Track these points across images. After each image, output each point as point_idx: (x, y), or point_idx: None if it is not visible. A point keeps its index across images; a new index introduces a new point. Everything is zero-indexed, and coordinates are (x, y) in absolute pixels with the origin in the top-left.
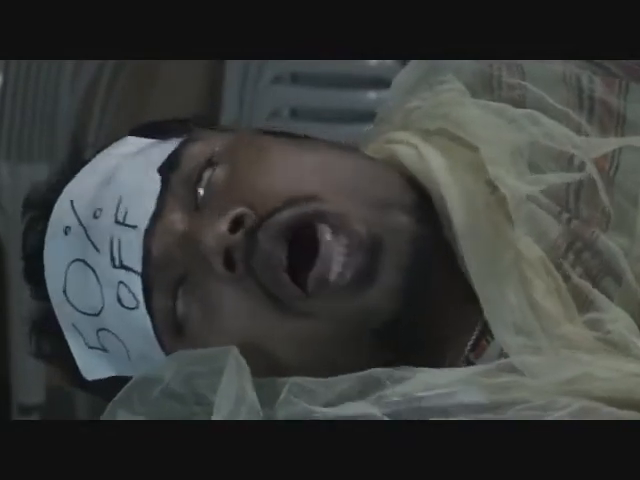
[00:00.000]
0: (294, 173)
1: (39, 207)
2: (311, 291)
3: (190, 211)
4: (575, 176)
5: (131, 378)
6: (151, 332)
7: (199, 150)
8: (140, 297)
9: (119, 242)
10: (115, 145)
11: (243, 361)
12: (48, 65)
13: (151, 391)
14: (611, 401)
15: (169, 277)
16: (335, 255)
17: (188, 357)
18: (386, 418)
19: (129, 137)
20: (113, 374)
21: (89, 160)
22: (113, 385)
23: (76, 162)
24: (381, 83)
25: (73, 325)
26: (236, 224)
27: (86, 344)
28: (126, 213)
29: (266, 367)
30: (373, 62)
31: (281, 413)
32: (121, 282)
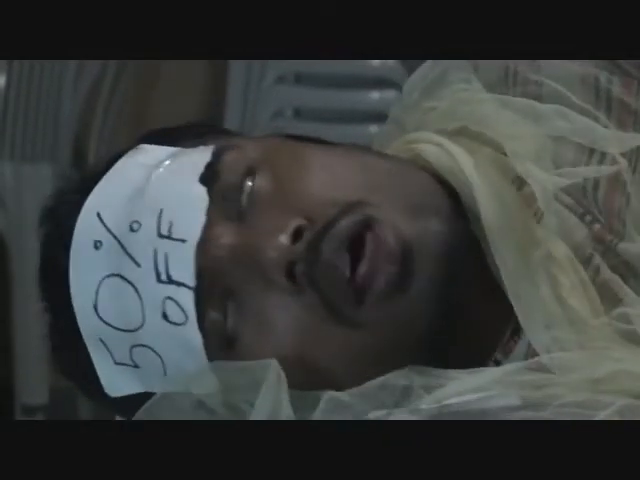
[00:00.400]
0: (339, 177)
1: (56, 219)
2: (366, 300)
3: (235, 222)
4: (608, 169)
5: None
6: (200, 347)
7: (236, 158)
8: (191, 312)
9: (165, 257)
10: (132, 154)
11: (283, 374)
12: (51, 66)
13: (182, 401)
14: None
15: (218, 291)
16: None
17: (227, 369)
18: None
19: (143, 145)
20: (140, 390)
21: (103, 169)
22: (134, 402)
23: (89, 173)
24: (384, 83)
25: (101, 340)
26: (296, 236)
27: (113, 360)
28: (171, 226)
29: (311, 380)
30: (376, 62)
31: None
32: (169, 297)
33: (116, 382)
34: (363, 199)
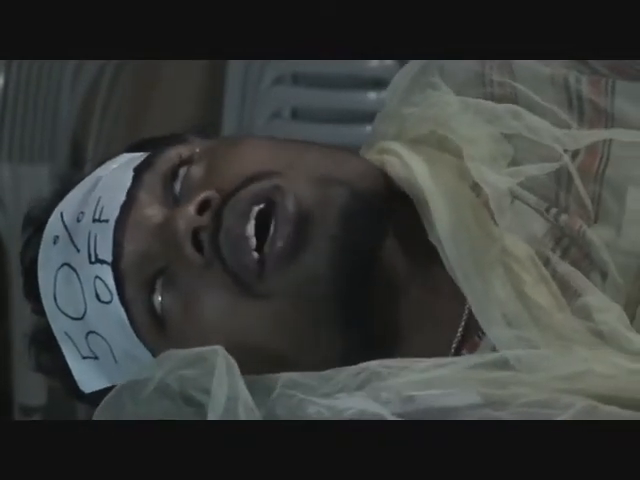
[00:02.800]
0: (261, 156)
1: (34, 224)
2: (265, 267)
3: (168, 207)
4: (552, 166)
5: None
6: (127, 325)
7: (177, 151)
8: (113, 289)
9: (95, 237)
10: (112, 161)
11: (232, 360)
12: (49, 66)
13: (142, 391)
14: (611, 399)
15: (145, 270)
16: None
17: (176, 358)
18: (383, 411)
19: (126, 154)
20: (107, 384)
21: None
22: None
23: (76, 176)
24: (381, 84)
25: (66, 334)
26: (203, 206)
27: (80, 354)
28: (102, 210)
29: (255, 360)
30: (373, 63)
31: (277, 408)
32: (97, 277)
33: (86, 377)
34: (273, 170)
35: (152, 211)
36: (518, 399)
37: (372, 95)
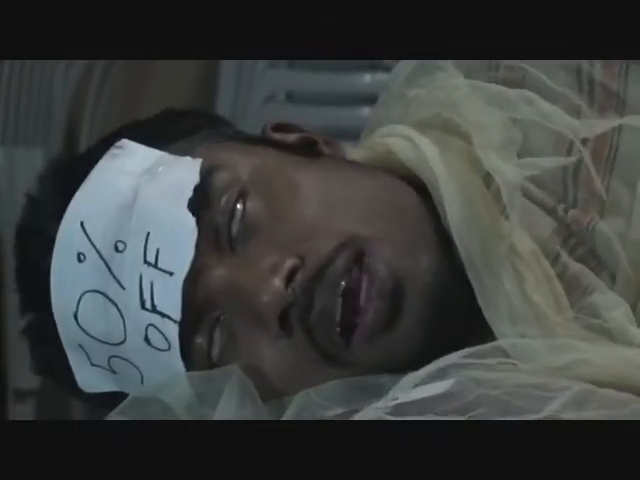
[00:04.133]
0: (333, 208)
1: (31, 218)
2: (353, 339)
3: (226, 251)
4: (567, 160)
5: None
6: (182, 373)
7: (226, 180)
8: (175, 342)
9: (151, 285)
10: (115, 153)
11: (247, 380)
12: None
13: (149, 407)
14: (606, 385)
15: (206, 320)
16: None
17: (192, 379)
18: (386, 416)
19: (127, 143)
20: (115, 390)
21: (83, 167)
22: (113, 397)
23: (64, 169)
24: (377, 66)
25: (80, 346)
26: (290, 278)
27: (90, 362)
28: (157, 254)
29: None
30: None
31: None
32: (152, 325)
33: (91, 381)
34: (357, 233)
35: (214, 261)
36: (512, 380)
37: (367, 77)
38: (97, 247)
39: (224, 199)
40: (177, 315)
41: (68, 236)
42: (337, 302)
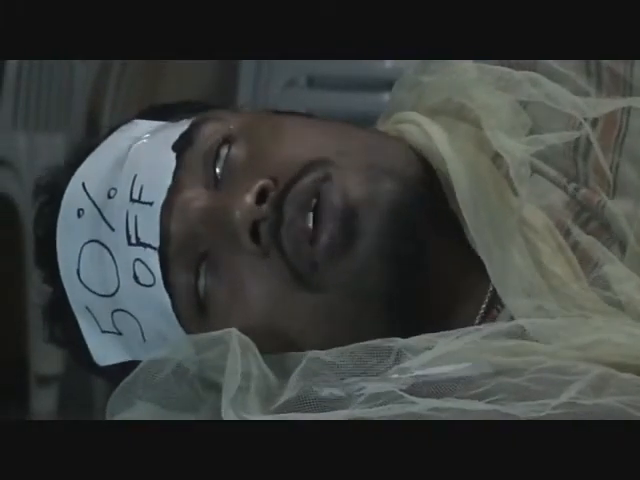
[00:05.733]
0: (309, 140)
1: (49, 191)
2: (317, 260)
3: (209, 188)
4: (573, 134)
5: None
6: (169, 309)
7: (214, 128)
8: (157, 273)
9: (135, 219)
10: (124, 128)
11: (247, 340)
12: None
13: (160, 371)
14: (627, 367)
15: (191, 253)
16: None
17: (193, 343)
18: (402, 392)
19: (137, 120)
20: (127, 359)
21: (95, 144)
22: (127, 370)
23: (82, 149)
24: None
25: (87, 308)
26: (261, 196)
27: (100, 328)
28: (141, 190)
29: (284, 344)
30: None
31: (296, 385)
32: (137, 259)
33: (104, 351)
34: (326, 158)
35: (196, 192)
36: (533, 366)
37: (389, 63)
38: (93, 199)
39: (207, 142)
40: (156, 242)
41: (71, 197)
42: (305, 216)
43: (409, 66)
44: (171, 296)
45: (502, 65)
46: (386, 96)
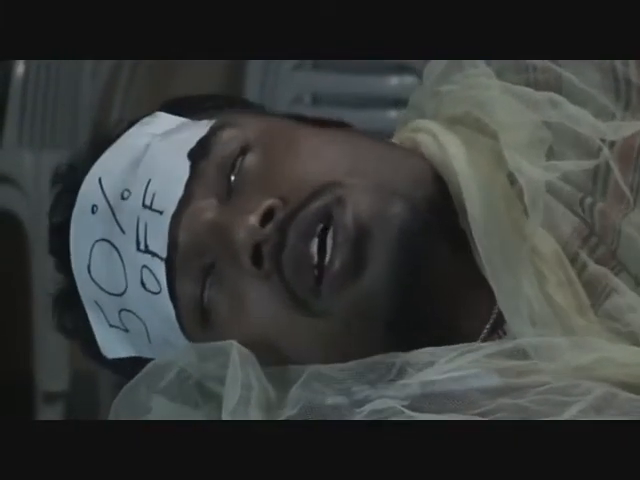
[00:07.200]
0: (322, 160)
1: (67, 181)
2: (322, 288)
3: (222, 198)
4: (590, 163)
5: (151, 360)
6: (173, 317)
7: (231, 136)
8: (164, 283)
9: (145, 226)
10: (146, 121)
11: (246, 351)
12: None
13: (163, 375)
14: (631, 387)
15: (197, 264)
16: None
17: (196, 351)
18: (403, 409)
19: (159, 113)
20: (133, 354)
21: (119, 135)
22: (133, 365)
23: (102, 138)
24: (403, 68)
25: (96, 302)
26: (267, 217)
27: (107, 322)
28: (154, 197)
29: (284, 359)
30: None
31: (297, 397)
32: (145, 266)
33: (111, 344)
34: (338, 180)
35: (207, 204)
36: (536, 386)
37: (393, 80)
38: (107, 197)
39: (224, 152)
40: (163, 252)
41: (87, 192)
42: (309, 242)
43: (414, 84)
44: (176, 307)
45: (528, 68)
46: (392, 113)
